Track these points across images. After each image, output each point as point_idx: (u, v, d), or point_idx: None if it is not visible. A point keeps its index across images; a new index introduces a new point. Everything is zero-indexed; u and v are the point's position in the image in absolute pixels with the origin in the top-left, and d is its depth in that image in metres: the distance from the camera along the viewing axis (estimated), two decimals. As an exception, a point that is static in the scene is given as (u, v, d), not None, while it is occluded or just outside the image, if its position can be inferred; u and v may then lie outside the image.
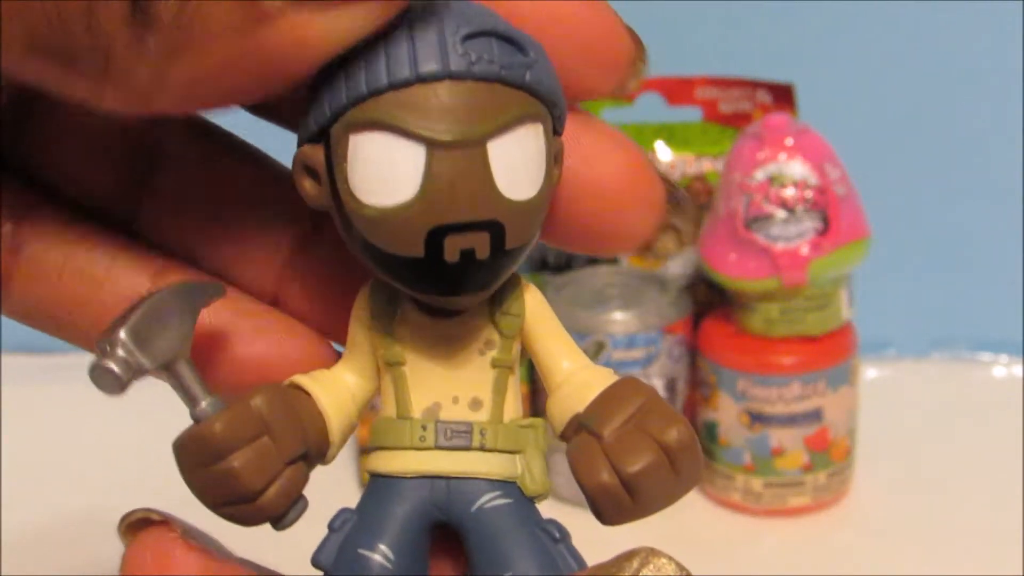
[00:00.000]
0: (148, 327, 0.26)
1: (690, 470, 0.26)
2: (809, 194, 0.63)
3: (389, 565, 0.27)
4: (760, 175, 0.63)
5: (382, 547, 0.27)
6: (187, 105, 0.25)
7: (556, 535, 0.27)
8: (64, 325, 0.28)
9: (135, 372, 0.27)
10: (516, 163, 0.25)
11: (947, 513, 0.66)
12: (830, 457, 0.66)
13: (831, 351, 0.65)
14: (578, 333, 0.64)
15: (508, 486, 0.27)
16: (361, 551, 0.27)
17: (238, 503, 0.27)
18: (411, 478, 0.27)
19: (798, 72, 0.72)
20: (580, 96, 0.27)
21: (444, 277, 0.25)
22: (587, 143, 0.27)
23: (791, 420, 0.65)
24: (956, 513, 0.66)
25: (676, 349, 0.66)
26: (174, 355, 0.27)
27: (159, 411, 0.83)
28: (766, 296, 0.64)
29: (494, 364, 0.27)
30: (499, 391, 0.27)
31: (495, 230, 0.25)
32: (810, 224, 0.62)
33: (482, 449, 0.27)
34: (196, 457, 0.27)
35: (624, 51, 0.27)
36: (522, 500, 0.27)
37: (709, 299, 0.72)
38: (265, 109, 0.28)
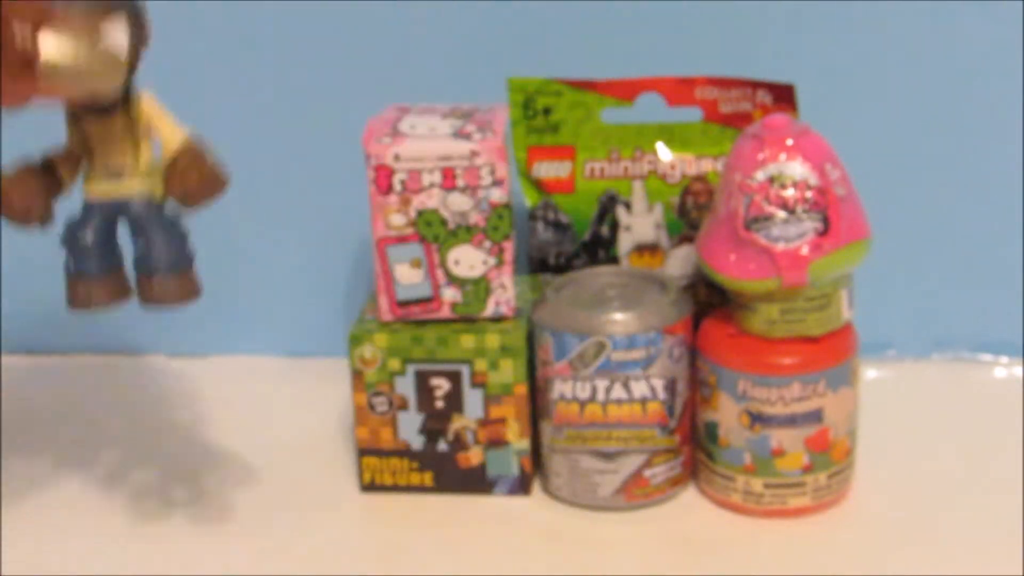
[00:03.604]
0: None
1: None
2: (809, 195, 0.63)
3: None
4: (760, 175, 0.63)
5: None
6: None
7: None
8: None
9: None
10: None
11: (947, 514, 0.66)
12: (830, 458, 0.66)
13: (831, 352, 0.65)
14: (578, 334, 0.64)
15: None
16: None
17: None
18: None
19: (798, 72, 0.72)
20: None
21: None
22: None
23: (791, 421, 0.65)
24: (956, 514, 0.66)
25: (676, 349, 0.66)
26: None
27: (159, 414, 0.83)
28: (766, 297, 0.64)
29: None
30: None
31: None
32: (810, 225, 0.62)
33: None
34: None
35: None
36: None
37: (709, 299, 0.72)
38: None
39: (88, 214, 0.54)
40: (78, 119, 0.53)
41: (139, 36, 0.51)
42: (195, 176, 0.52)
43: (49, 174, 0.54)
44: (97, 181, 0.54)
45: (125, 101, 0.53)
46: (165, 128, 0.54)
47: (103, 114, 0.52)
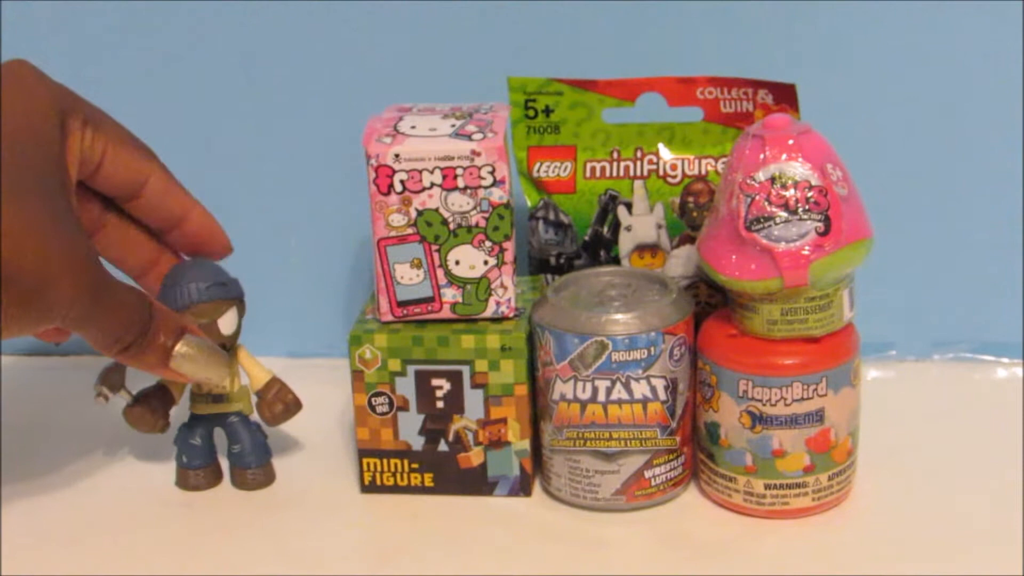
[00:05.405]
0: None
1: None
2: (811, 194, 0.63)
3: None
4: (762, 175, 0.63)
5: None
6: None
7: None
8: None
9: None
10: None
11: (948, 514, 0.66)
12: (832, 458, 0.66)
13: (832, 352, 0.65)
14: (579, 334, 0.64)
15: None
16: None
17: None
18: None
19: (799, 72, 0.72)
20: None
21: None
22: None
23: (792, 421, 0.64)
24: (957, 514, 0.66)
25: (677, 350, 0.66)
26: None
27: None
28: (767, 297, 0.64)
29: None
30: None
31: None
32: (812, 225, 0.62)
33: None
34: None
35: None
36: None
37: (710, 299, 0.72)
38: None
39: (195, 424, 0.71)
40: None
41: (242, 313, 0.69)
42: (281, 406, 0.69)
43: (165, 394, 0.70)
44: (204, 403, 0.70)
45: (225, 349, 0.68)
46: (254, 368, 0.70)
47: None
